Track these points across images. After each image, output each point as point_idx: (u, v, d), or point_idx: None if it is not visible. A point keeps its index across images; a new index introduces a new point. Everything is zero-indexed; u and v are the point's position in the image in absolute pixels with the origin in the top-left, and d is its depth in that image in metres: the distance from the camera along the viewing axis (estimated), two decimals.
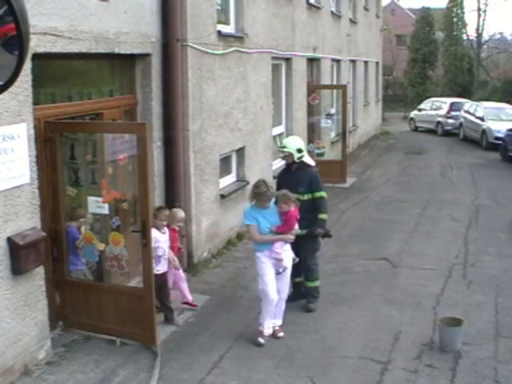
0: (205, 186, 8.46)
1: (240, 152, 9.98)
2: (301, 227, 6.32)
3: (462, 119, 24.18)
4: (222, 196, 9.10)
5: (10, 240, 4.97)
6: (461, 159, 19.12)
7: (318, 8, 14.56)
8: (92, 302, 5.98)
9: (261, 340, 5.96)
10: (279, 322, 6.23)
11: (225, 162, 9.60)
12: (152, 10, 7.11)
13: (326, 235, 6.85)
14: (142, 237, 5.57)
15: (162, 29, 7.29)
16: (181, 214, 6.78)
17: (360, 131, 21.48)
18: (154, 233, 6.04)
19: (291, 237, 6.06)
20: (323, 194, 6.75)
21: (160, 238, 6.23)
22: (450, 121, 25.63)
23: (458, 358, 5.72)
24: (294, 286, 6.88)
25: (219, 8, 9.08)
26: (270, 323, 6.11)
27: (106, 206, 5.80)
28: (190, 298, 6.83)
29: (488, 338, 6.14)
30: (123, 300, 5.86)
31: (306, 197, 6.63)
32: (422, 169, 17.20)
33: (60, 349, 5.71)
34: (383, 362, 5.65)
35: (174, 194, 7.62)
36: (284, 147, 6.85)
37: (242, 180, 10.09)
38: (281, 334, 6.12)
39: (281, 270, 6.07)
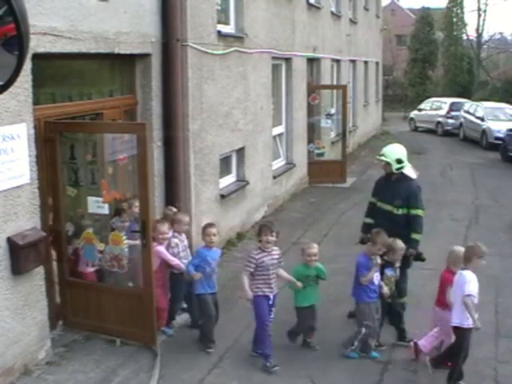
0: (205, 185, 8.46)
1: (240, 152, 9.98)
2: None
3: (461, 119, 24.19)
4: (222, 196, 9.11)
5: (9, 240, 4.97)
6: (461, 159, 19.12)
7: (318, 8, 14.56)
8: (92, 302, 5.97)
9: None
10: None
11: (225, 161, 9.60)
12: (152, 10, 7.11)
13: (419, 258, 6.40)
14: (142, 237, 5.57)
15: (161, 29, 7.29)
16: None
17: (360, 131, 21.48)
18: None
19: None
20: (420, 212, 6.30)
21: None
22: (450, 121, 25.64)
23: None
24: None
25: (219, 8, 9.08)
26: None
27: (106, 205, 5.81)
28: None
29: (488, 337, 6.14)
30: (123, 300, 5.86)
31: (400, 211, 6.26)
32: (422, 169, 17.09)
33: (60, 349, 5.71)
34: (383, 362, 5.65)
35: (174, 194, 7.63)
36: (382, 155, 6.41)
37: (241, 180, 10.09)
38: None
39: None
